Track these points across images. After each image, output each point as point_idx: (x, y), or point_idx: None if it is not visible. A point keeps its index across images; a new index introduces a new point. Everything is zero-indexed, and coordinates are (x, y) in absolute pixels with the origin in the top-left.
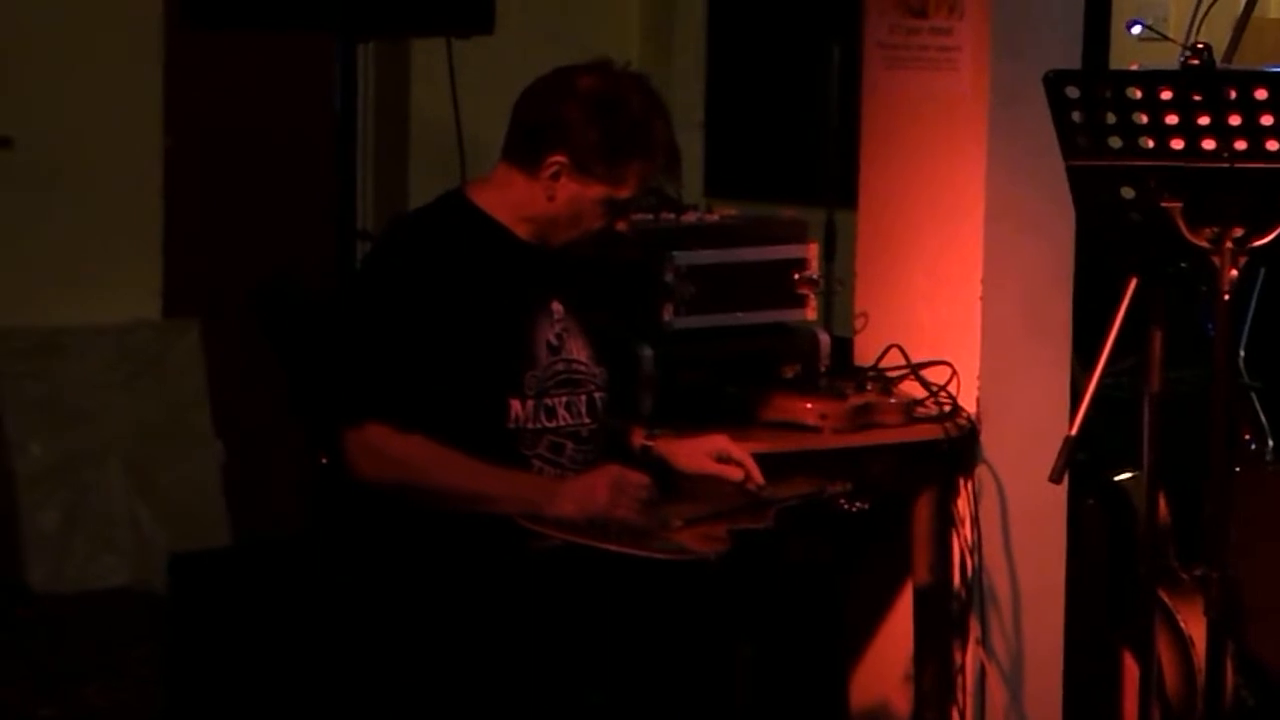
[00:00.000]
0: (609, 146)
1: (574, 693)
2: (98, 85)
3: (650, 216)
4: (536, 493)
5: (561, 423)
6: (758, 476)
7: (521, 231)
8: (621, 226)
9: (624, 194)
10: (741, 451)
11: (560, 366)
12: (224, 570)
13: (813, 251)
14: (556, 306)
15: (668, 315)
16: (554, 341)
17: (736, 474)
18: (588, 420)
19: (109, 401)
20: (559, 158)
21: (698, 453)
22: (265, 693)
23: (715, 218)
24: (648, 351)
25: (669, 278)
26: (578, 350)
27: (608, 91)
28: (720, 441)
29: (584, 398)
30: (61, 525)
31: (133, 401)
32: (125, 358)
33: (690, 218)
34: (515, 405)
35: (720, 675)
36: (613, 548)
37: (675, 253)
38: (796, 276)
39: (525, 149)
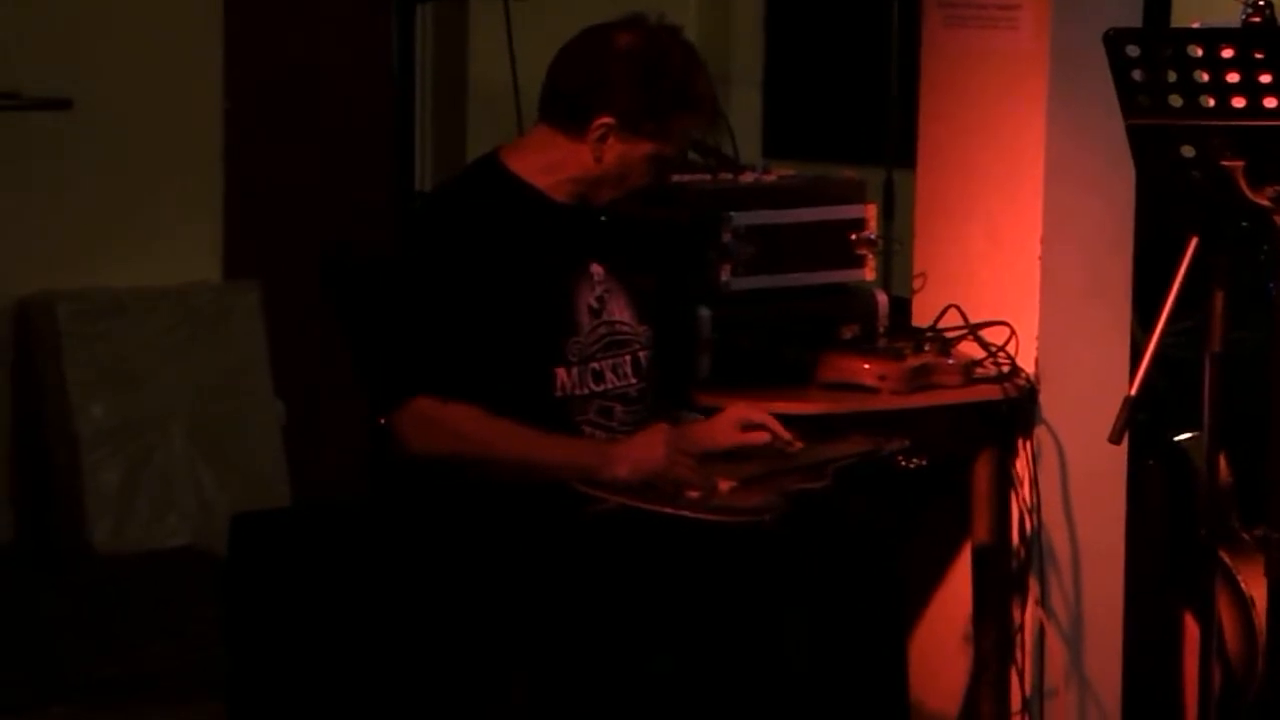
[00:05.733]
0: (655, 104)
1: (634, 658)
2: (158, 47)
3: (708, 177)
4: (591, 457)
5: (609, 386)
6: (782, 433)
7: (560, 193)
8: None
9: (671, 150)
10: (761, 414)
11: (603, 330)
12: (284, 531)
13: (871, 212)
14: (596, 269)
15: (725, 276)
16: (595, 305)
17: (762, 437)
18: (635, 381)
19: (170, 363)
20: (606, 119)
21: (720, 427)
22: (325, 652)
23: (773, 178)
24: (705, 313)
25: (727, 238)
26: (620, 311)
27: (649, 48)
28: (739, 410)
29: (629, 358)
30: (123, 486)
31: (194, 363)
32: (186, 319)
33: (748, 178)
34: (561, 374)
35: (778, 636)
36: (670, 510)
37: (733, 213)
38: (855, 237)
39: (569, 111)
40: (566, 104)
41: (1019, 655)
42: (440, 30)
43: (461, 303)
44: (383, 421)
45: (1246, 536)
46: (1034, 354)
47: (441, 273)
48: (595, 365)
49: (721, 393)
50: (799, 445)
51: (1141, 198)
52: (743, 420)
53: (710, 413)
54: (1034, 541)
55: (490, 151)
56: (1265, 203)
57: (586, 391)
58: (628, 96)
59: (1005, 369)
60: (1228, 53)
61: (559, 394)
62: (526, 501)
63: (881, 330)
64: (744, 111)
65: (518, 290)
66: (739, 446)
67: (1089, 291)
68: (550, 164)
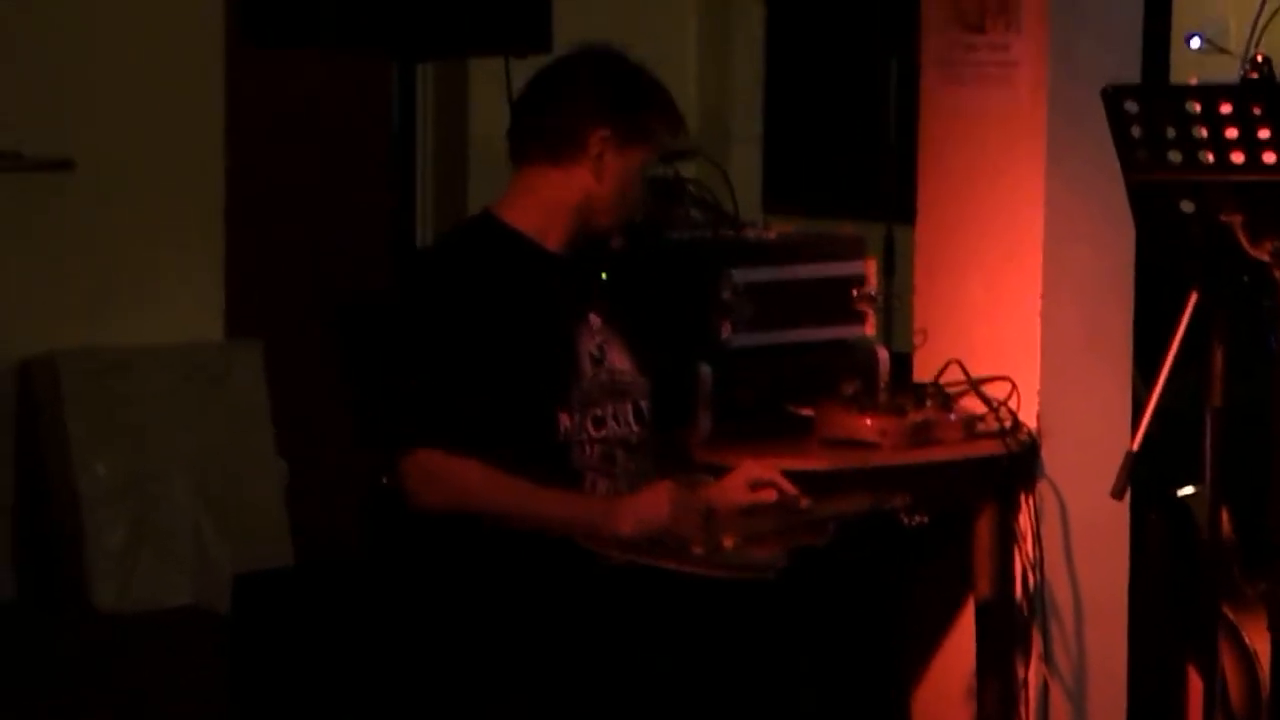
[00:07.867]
0: (636, 109)
1: (646, 713)
2: (159, 106)
3: (708, 233)
4: (596, 513)
5: (610, 431)
6: (789, 489)
7: (554, 240)
8: (617, 244)
9: (654, 156)
10: (770, 471)
11: (604, 377)
12: (287, 591)
13: (871, 267)
14: (594, 318)
15: (726, 333)
16: (595, 353)
17: (771, 495)
18: (636, 428)
19: (173, 421)
20: (602, 132)
21: (731, 488)
22: (328, 713)
23: (773, 234)
24: (706, 369)
25: (727, 295)
26: (620, 360)
27: (609, 62)
28: (748, 469)
29: (630, 406)
30: (127, 544)
31: (197, 421)
32: (189, 378)
33: (748, 234)
34: (564, 418)
35: (782, 692)
36: (673, 566)
37: (733, 270)
38: (855, 293)
39: (558, 139)
40: (554, 133)
41: (1023, 711)
42: (440, 89)
43: (464, 352)
44: (385, 481)
45: (1250, 590)
46: (1035, 408)
47: (442, 322)
48: (597, 411)
49: (722, 449)
50: (806, 501)
51: (1141, 252)
52: (753, 479)
53: (713, 470)
54: (1036, 596)
55: (483, 209)
56: (1265, 257)
57: (587, 436)
58: (612, 108)
59: (1007, 424)
60: (1226, 108)
61: (561, 438)
62: (531, 559)
63: (883, 386)
64: (744, 167)
65: (520, 335)
66: (750, 505)
67: (1090, 346)
68: (544, 203)
